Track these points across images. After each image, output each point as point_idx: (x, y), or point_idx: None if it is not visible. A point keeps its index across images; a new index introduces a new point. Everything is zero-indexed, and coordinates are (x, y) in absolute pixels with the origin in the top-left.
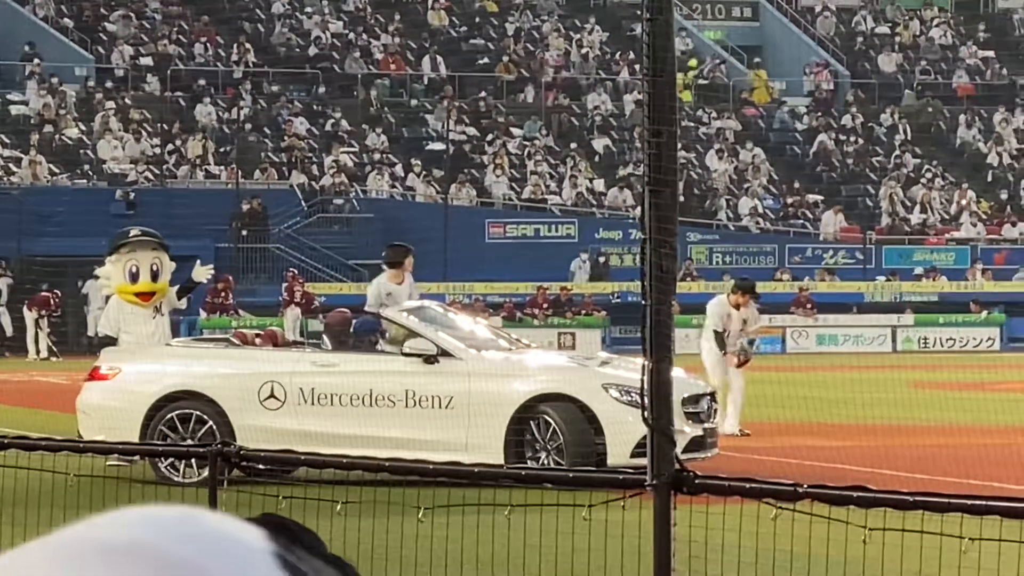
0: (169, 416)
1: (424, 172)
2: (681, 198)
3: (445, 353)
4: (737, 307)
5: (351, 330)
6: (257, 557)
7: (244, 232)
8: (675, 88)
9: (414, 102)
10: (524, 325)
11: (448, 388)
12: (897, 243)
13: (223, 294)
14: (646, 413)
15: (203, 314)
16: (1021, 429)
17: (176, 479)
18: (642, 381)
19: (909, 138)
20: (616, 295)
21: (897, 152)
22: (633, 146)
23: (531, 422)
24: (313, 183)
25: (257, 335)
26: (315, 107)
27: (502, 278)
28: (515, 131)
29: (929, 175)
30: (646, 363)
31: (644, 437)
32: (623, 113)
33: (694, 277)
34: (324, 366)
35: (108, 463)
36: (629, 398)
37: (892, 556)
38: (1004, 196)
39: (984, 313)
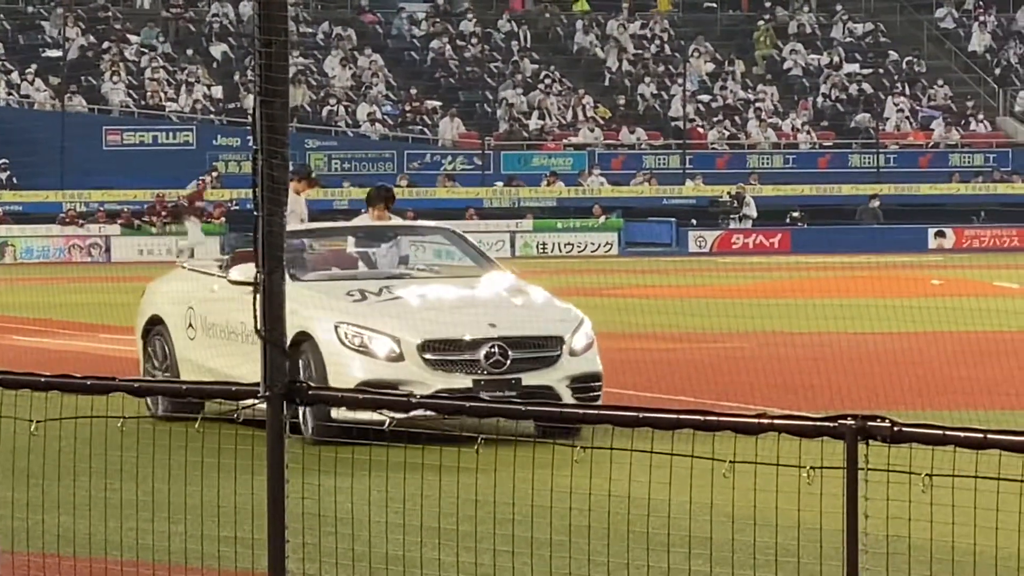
0: None
1: (40, 79)
2: (302, 106)
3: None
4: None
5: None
6: None
7: None
8: None
9: (30, 8)
10: (143, 233)
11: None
12: (515, 149)
13: None
14: (259, 326)
15: None
16: (636, 335)
17: None
18: (254, 296)
19: (527, 44)
20: (235, 202)
21: (515, 58)
22: (251, 53)
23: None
24: None
25: None
26: None
27: (120, 186)
28: (132, 38)
29: (547, 80)
30: (258, 274)
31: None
32: (241, 19)
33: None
34: None
35: None
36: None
37: (506, 462)
38: (621, 102)
39: (603, 218)
